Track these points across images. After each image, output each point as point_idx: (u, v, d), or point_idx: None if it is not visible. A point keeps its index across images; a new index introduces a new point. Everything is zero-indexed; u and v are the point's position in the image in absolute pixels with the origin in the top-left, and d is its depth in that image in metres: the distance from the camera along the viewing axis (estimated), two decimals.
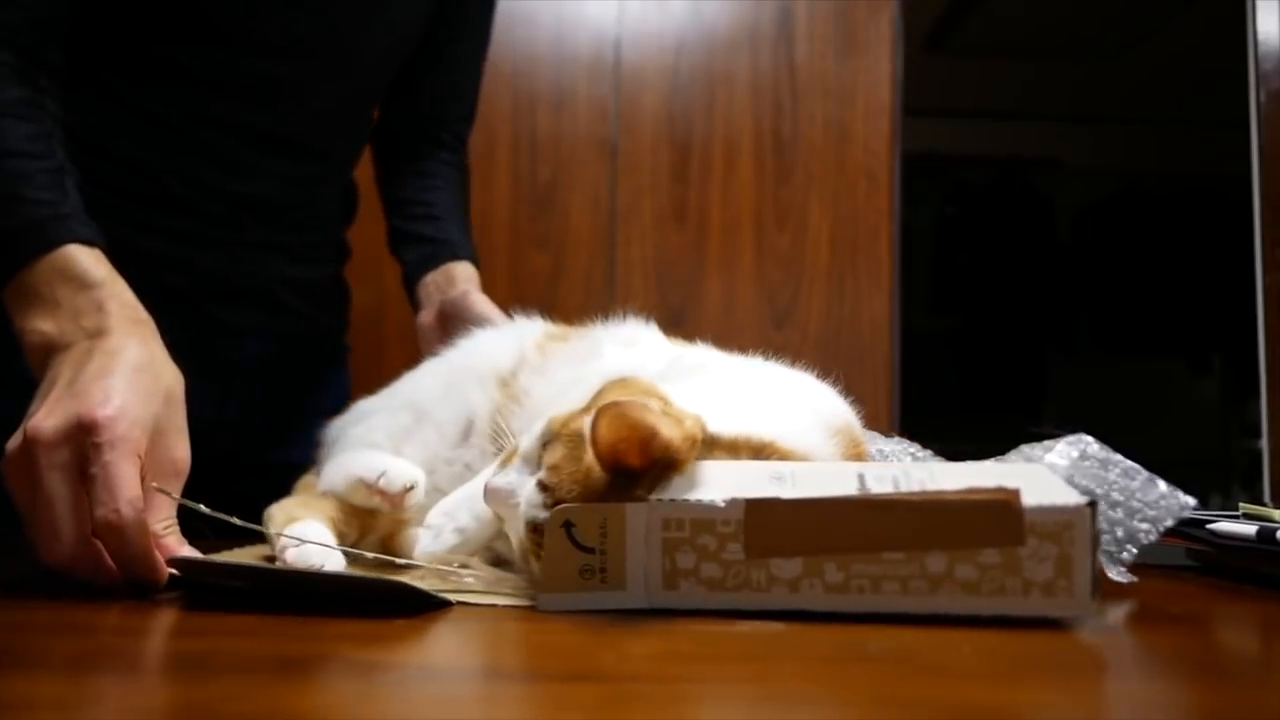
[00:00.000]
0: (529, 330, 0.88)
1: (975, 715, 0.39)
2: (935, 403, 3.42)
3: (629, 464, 0.56)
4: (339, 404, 1.22)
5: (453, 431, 0.82)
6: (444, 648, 0.50)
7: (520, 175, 2.10)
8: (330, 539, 0.70)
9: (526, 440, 0.63)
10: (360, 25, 1.04)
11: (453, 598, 0.58)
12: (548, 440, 0.60)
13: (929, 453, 0.79)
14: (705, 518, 0.55)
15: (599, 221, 2.10)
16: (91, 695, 0.40)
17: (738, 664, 0.48)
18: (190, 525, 0.67)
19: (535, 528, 0.57)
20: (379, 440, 0.82)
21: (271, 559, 0.72)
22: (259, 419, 1.09)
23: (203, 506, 0.64)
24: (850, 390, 0.75)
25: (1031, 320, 4.42)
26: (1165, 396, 4.24)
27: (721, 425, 0.61)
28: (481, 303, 1.11)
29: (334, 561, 0.67)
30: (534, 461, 0.61)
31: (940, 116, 3.99)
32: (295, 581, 0.62)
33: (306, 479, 0.88)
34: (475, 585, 0.63)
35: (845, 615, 0.55)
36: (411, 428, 0.82)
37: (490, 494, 0.63)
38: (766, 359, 0.78)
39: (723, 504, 0.54)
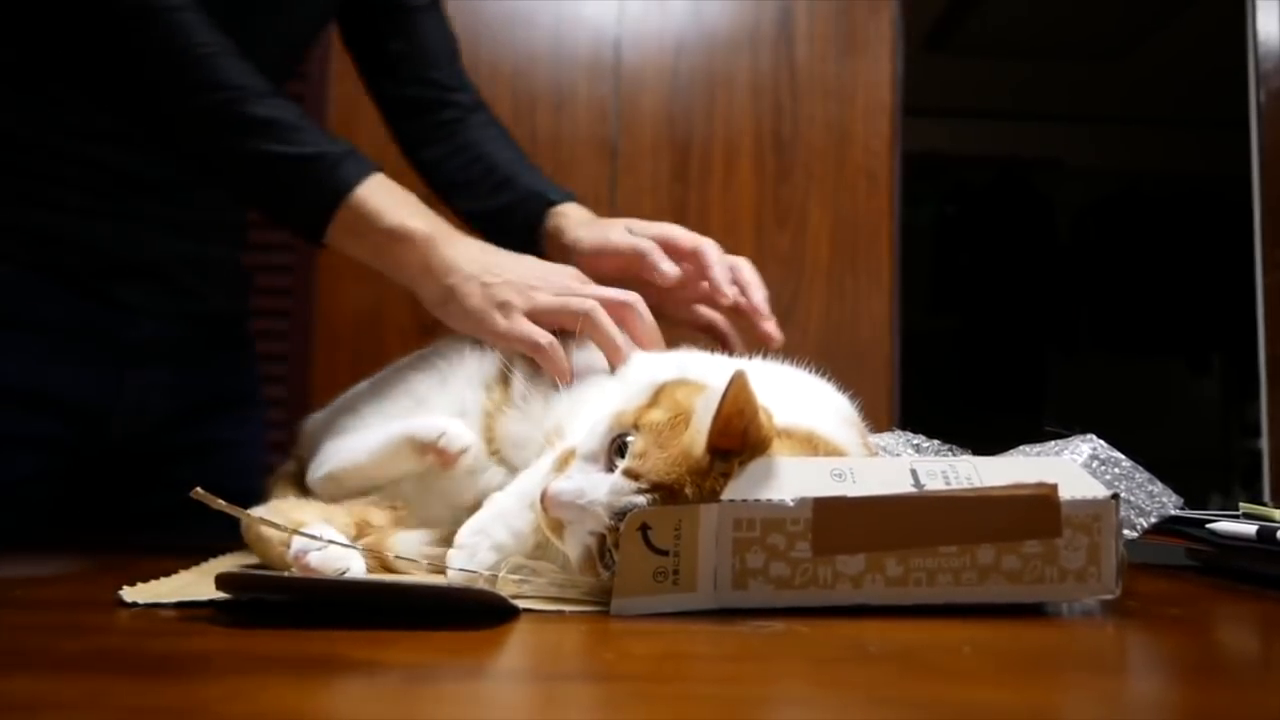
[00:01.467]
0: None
1: (975, 715, 0.40)
2: (935, 403, 3.41)
3: (727, 445, 0.57)
4: (244, 392, 1.18)
5: None
6: (443, 648, 0.50)
7: None
8: (344, 541, 0.68)
9: (587, 440, 0.62)
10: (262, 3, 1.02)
11: (521, 604, 0.57)
12: (618, 435, 0.60)
13: (936, 441, 0.79)
14: (775, 517, 0.56)
15: None
16: (91, 695, 0.40)
17: (738, 664, 0.48)
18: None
19: (624, 516, 0.57)
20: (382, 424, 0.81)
21: (256, 567, 0.70)
22: (157, 404, 1.06)
23: (237, 508, 0.63)
24: (850, 390, 0.75)
25: (1031, 320, 4.42)
26: (1165, 396, 4.25)
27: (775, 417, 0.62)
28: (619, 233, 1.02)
29: (356, 565, 0.65)
30: (599, 459, 0.61)
31: (940, 116, 4.00)
32: (359, 593, 0.59)
33: (283, 475, 0.86)
34: (541, 592, 0.61)
35: (845, 615, 0.55)
36: (414, 410, 0.82)
37: (554, 498, 0.60)
38: (761, 359, 0.79)
39: (792, 503, 0.56)
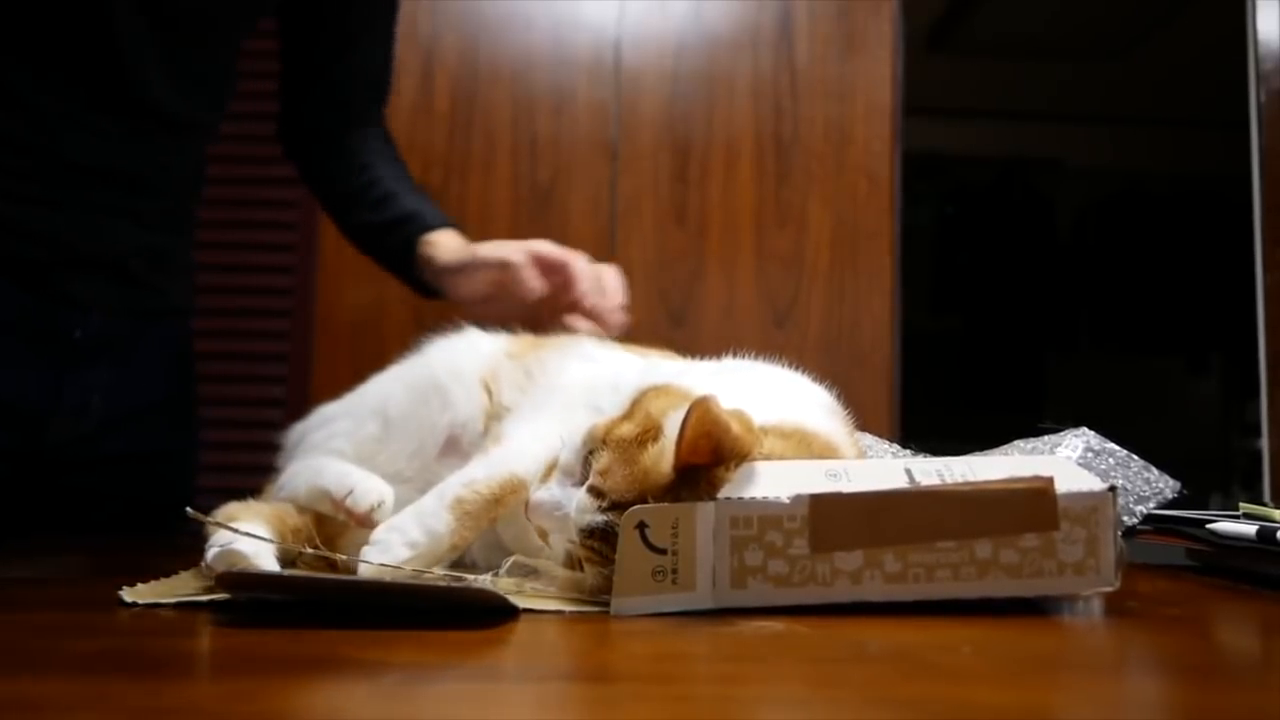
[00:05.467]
0: (494, 343, 0.87)
1: (975, 715, 0.40)
2: (935, 403, 3.41)
3: (698, 461, 0.57)
4: (183, 398, 1.15)
5: (431, 444, 0.80)
6: (443, 648, 0.50)
7: (520, 177, 2.11)
8: (266, 538, 0.68)
9: (565, 453, 0.64)
10: None
11: (521, 604, 0.57)
12: (591, 449, 0.61)
13: (909, 451, 0.80)
14: (772, 514, 0.56)
15: (599, 222, 2.10)
16: (93, 696, 0.40)
17: (738, 664, 0.48)
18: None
19: (590, 533, 0.59)
20: (342, 448, 0.80)
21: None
22: (97, 404, 1.03)
23: (233, 524, 0.64)
24: (850, 390, 0.75)
25: (1031, 320, 4.42)
26: (1164, 396, 4.25)
27: (757, 416, 0.62)
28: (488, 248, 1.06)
29: (265, 557, 0.65)
30: (575, 473, 0.62)
31: (940, 116, 3.99)
32: (359, 593, 0.60)
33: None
34: (541, 592, 0.62)
35: (844, 615, 0.55)
36: (381, 437, 0.80)
37: (534, 509, 0.63)
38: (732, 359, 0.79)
39: (788, 500, 0.56)
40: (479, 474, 0.69)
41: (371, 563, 0.64)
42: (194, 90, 1.06)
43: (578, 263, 1.00)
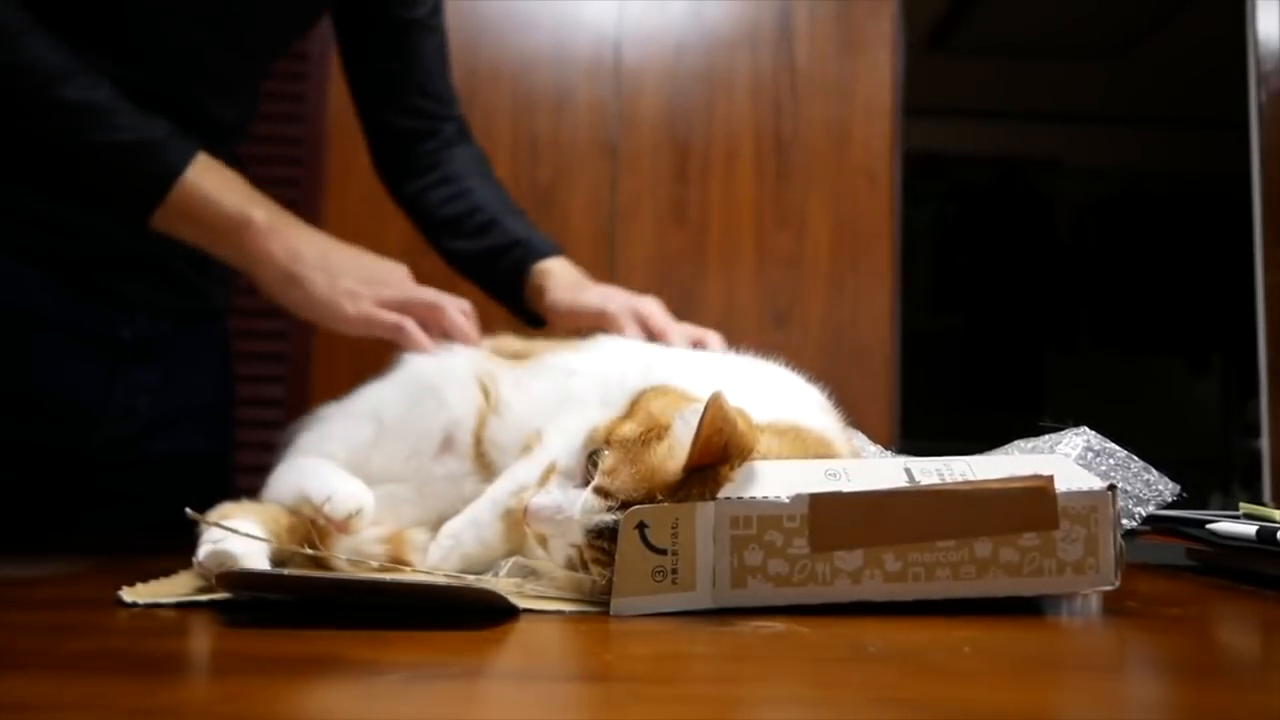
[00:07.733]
0: (485, 342, 0.88)
1: (975, 715, 0.40)
2: (935, 402, 3.41)
3: (709, 461, 0.57)
4: (225, 399, 1.16)
5: (428, 445, 0.80)
6: (443, 648, 0.50)
7: (521, 176, 2.10)
8: (260, 537, 0.67)
9: (565, 456, 0.63)
10: None
11: (521, 604, 0.57)
12: (593, 451, 0.61)
13: (889, 451, 0.80)
14: (771, 514, 0.56)
15: (599, 222, 2.10)
16: (92, 696, 0.40)
17: (737, 664, 0.48)
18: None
19: (599, 534, 0.58)
20: (334, 449, 0.80)
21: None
22: (144, 405, 1.04)
23: (232, 527, 0.64)
24: (850, 389, 0.75)
25: (1031, 319, 4.42)
26: (1164, 396, 4.25)
27: (753, 414, 0.62)
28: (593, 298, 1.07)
29: (257, 557, 0.64)
30: (576, 475, 0.62)
31: (940, 116, 4.00)
32: (359, 592, 0.60)
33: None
34: (541, 592, 0.62)
35: (844, 615, 0.55)
36: (375, 441, 0.80)
37: (534, 513, 0.62)
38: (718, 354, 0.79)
39: (787, 499, 0.56)
40: (525, 478, 0.69)
41: (434, 561, 0.68)
42: (237, 95, 1.07)
43: (673, 333, 1.00)
